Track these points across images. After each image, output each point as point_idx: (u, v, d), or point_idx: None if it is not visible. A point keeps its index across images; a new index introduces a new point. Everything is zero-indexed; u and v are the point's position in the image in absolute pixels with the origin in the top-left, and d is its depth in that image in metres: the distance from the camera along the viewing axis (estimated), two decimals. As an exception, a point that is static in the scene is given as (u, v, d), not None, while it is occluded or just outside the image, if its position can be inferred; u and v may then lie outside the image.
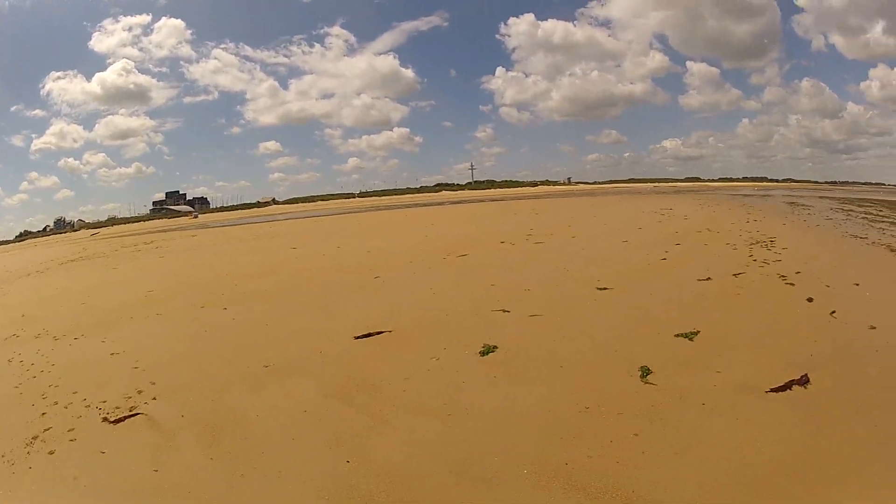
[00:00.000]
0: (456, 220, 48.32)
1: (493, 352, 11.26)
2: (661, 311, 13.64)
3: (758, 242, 24.03)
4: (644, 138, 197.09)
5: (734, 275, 17.34)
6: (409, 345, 12.11)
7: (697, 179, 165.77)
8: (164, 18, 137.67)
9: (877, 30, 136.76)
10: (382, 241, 31.96)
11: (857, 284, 15.87)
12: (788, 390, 9.20)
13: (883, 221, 34.71)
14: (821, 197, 71.13)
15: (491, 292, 16.26)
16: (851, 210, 44.97)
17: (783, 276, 17.02)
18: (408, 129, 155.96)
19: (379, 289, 17.91)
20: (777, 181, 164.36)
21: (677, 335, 11.79)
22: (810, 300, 14.24)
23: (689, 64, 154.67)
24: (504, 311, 14.08)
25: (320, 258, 26.27)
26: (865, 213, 40.86)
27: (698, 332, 11.92)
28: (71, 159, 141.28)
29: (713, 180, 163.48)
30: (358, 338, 12.79)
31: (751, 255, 20.68)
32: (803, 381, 9.50)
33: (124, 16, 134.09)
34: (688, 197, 72.40)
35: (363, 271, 21.18)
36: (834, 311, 13.13)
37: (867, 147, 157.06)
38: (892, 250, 21.65)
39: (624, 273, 18.20)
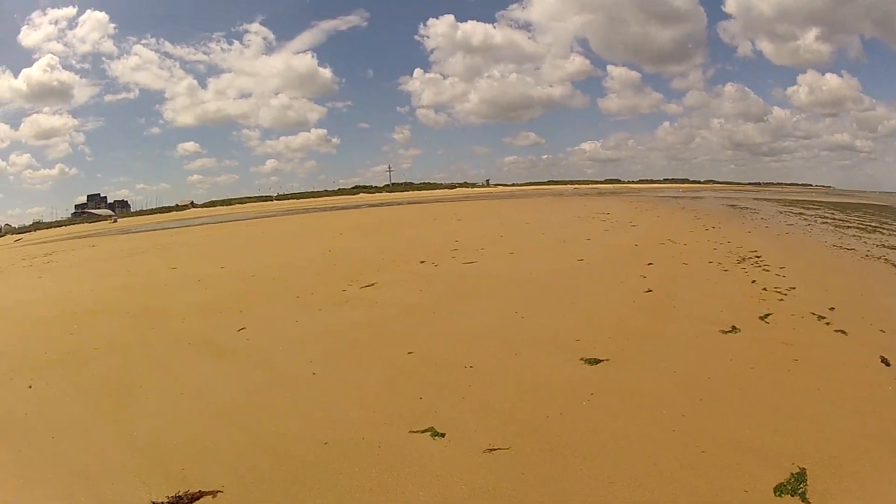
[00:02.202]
0: (368, 227, 40.60)
1: None
2: (713, 417, 7.15)
3: (744, 259, 18.25)
4: (562, 140, 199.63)
5: (761, 318, 11.29)
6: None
7: (617, 181, 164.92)
8: (88, 11, 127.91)
9: (808, 37, 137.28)
10: (276, 258, 24.31)
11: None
12: None
13: (848, 227, 30.00)
14: (756, 199, 66.68)
15: (409, 372, 9.26)
16: (802, 213, 40.71)
17: (821, 316, 11.28)
18: (325, 131, 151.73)
19: (236, 355, 10.65)
20: (699, 182, 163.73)
21: (779, 490, 5.45)
22: (886, 363, 8.63)
23: (609, 68, 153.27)
24: (435, 433, 7.01)
25: (191, 285, 18.70)
26: (822, 218, 36.25)
27: (802, 470, 5.61)
28: None
29: (633, 182, 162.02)
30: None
31: (753, 282, 14.76)
32: None
33: (52, 8, 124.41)
34: (617, 199, 66.79)
35: (231, 312, 13.94)
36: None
37: (793, 149, 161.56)
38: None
39: (609, 322, 11.57)
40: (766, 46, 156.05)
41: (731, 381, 8.18)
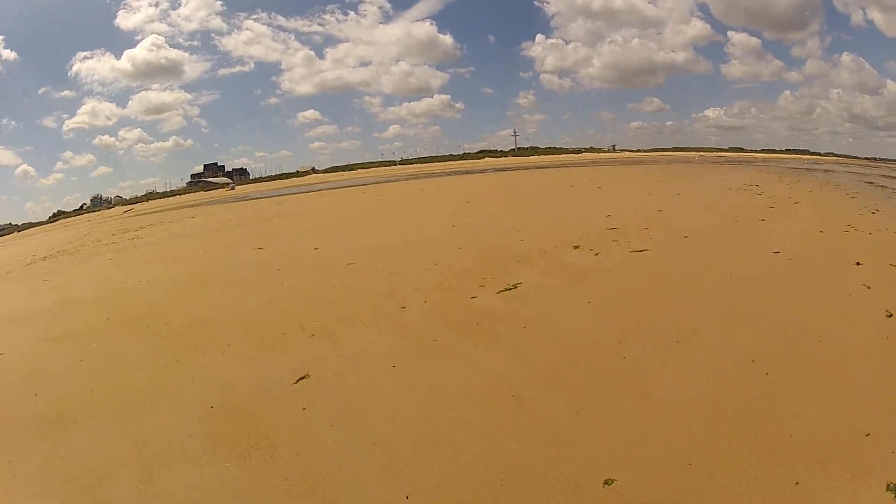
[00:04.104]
0: (499, 194, 34.80)
1: None
2: None
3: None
4: (686, 107, 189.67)
5: None
6: None
7: (741, 150, 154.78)
8: None
9: None
10: (385, 235, 19.47)
11: None
12: None
13: None
14: (883, 175, 56.60)
15: None
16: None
17: None
18: (448, 96, 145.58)
19: (270, 455, 5.81)
20: (819, 154, 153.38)
21: None
22: None
23: (730, 33, 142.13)
24: None
25: (267, 278, 14.39)
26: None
27: None
28: (106, 136, 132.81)
29: (756, 151, 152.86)
30: None
31: None
32: None
33: None
34: (753, 169, 57.57)
35: (297, 336, 9.36)
36: None
37: None
38: None
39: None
40: (876, 16, 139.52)
41: None
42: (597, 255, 13.69)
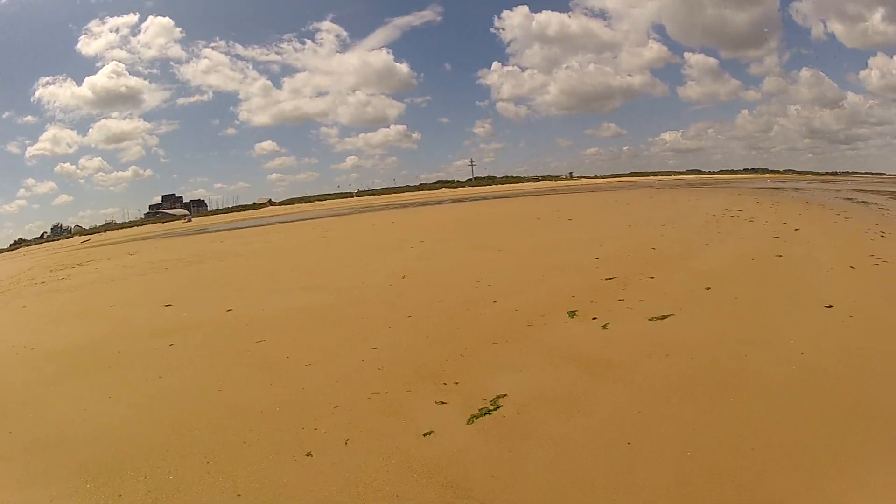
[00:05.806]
0: (458, 231, 30.37)
1: None
2: None
3: None
4: (643, 131, 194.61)
5: None
6: None
7: (699, 172, 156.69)
8: (150, 17, 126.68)
9: (875, 17, 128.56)
10: (321, 291, 14.98)
11: None
12: None
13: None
14: (853, 190, 54.09)
15: None
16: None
17: None
18: (405, 126, 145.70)
19: None
20: (778, 172, 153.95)
21: None
22: None
23: (686, 55, 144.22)
24: None
25: (156, 359, 10.27)
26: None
27: None
28: (67, 164, 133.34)
29: (713, 173, 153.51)
30: None
31: None
32: None
33: (110, 17, 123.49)
34: (722, 192, 54.51)
35: (133, 488, 5.15)
36: None
37: (867, 137, 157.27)
38: None
39: None
40: (836, 28, 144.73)
41: None
42: (605, 327, 9.73)
